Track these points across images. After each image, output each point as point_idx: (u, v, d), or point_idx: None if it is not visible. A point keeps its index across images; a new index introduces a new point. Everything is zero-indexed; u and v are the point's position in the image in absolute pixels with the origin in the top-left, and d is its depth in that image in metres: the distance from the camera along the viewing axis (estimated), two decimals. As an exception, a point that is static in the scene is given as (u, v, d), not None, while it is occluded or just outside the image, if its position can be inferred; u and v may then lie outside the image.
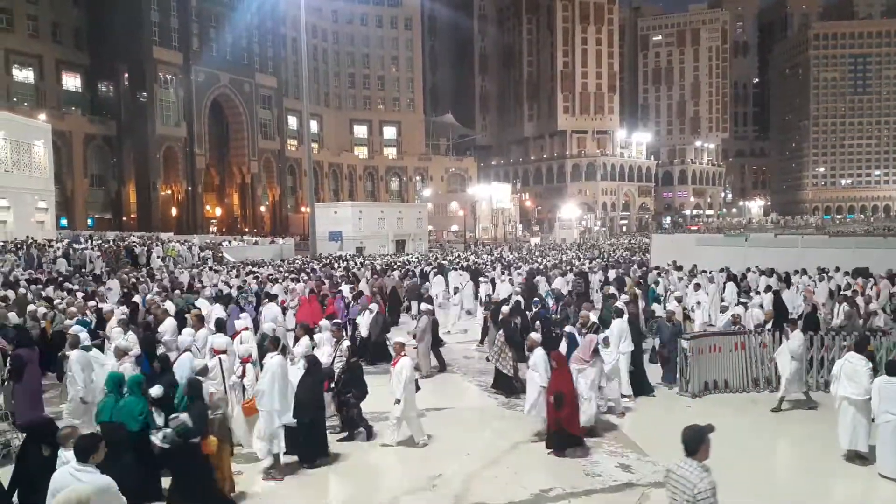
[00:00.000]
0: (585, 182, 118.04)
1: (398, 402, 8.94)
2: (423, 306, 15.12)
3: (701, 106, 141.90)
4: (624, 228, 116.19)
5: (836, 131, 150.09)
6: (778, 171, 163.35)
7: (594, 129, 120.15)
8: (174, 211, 66.39)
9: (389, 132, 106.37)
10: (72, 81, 66.78)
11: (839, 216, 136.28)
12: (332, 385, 9.53)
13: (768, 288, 17.94)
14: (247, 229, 71.25)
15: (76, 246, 30.62)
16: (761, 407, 11.08)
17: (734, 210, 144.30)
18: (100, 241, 35.40)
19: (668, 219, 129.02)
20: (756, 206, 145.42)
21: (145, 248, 32.66)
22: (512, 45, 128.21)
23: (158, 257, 31.75)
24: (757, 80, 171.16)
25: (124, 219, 64.55)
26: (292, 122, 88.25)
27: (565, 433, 8.81)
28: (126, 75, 63.82)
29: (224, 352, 9.40)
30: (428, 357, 13.66)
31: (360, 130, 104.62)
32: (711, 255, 26.63)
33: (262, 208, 76.95)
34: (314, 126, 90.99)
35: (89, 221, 62.82)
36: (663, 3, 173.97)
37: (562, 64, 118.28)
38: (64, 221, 58.82)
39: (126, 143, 64.45)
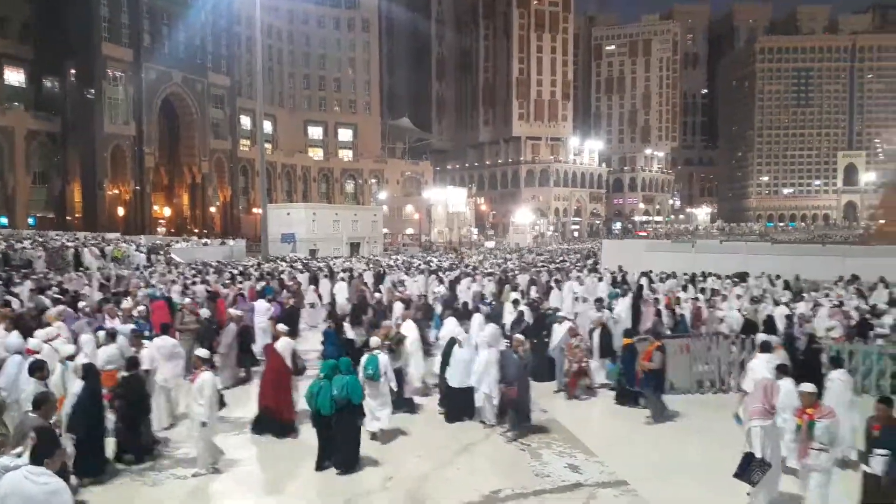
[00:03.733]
0: (539, 188, 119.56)
1: (204, 424, 8.12)
2: (232, 311, 13.82)
3: (651, 115, 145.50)
4: (576, 234, 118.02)
5: (779, 142, 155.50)
6: (724, 179, 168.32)
7: (548, 135, 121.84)
8: (121, 211, 64.57)
9: (345, 134, 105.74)
10: (15, 76, 64.41)
11: (781, 223, 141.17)
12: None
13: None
14: (196, 230, 69.78)
15: (17, 246, 29.54)
16: (708, 407, 11.48)
17: (682, 217, 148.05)
18: (42, 241, 34.19)
19: (619, 225, 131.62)
20: (703, 213, 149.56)
21: (73, 249, 31.23)
22: (469, 50, 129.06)
23: (96, 258, 30.72)
24: (706, 90, 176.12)
25: (68, 218, 62.47)
26: (245, 122, 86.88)
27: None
28: (73, 71, 61.84)
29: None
30: (234, 367, 13.01)
31: (316, 132, 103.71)
32: (660, 260, 27.38)
33: (213, 209, 75.48)
34: (268, 126, 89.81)
35: (31, 220, 60.63)
36: (617, 13, 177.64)
37: (517, 71, 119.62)
38: (4, 220, 56.71)
39: (72, 140, 62.44)
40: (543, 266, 33.03)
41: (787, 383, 8.31)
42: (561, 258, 43.86)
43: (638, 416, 10.91)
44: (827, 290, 19.98)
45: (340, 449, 8.48)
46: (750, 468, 7.00)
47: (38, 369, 7.67)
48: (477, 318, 13.33)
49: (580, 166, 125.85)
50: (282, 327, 11.41)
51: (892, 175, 63.85)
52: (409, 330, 11.97)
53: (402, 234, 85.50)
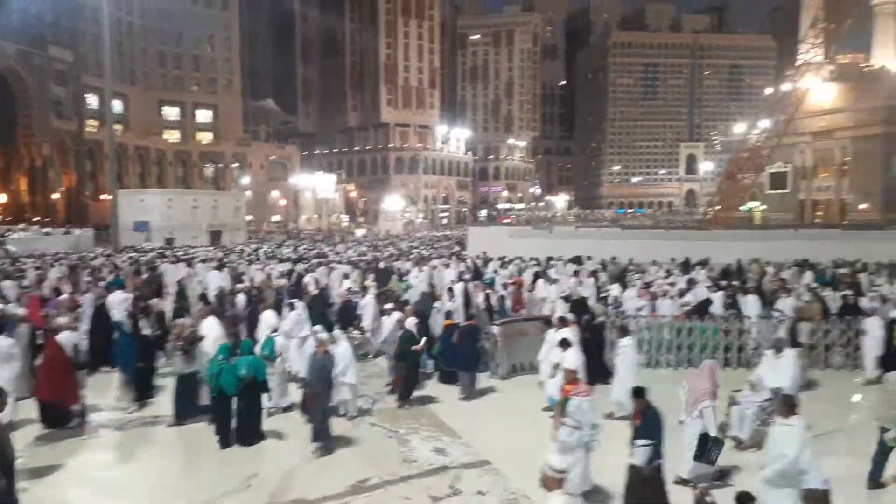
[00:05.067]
0: (409, 175, 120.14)
1: None
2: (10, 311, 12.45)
3: (514, 105, 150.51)
4: (445, 221, 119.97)
5: (629, 133, 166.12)
6: (580, 168, 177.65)
7: (416, 122, 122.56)
8: (-56, 196, 57.63)
9: (204, 115, 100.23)
10: None
11: (631, 210, 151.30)
12: None
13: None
14: (36, 218, 63.72)
15: None
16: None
17: (542, 204, 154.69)
18: None
19: (484, 212, 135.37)
20: (561, 200, 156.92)
21: None
22: (335, 32, 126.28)
23: None
24: (564, 82, 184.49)
25: None
26: (92, 100, 79.95)
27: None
28: None
29: None
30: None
31: (171, 112, 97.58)
32: (522, 245, 28.59)
33: (56, 195, 69.26)
34: (118, 106, 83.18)
35: None
36: (480, 3, 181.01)
37: (385, 56, 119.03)
38: None
39: None
40: (405, 253, 33.17)
41: (570, 353, 9.35)
42: (427, 245, 44.35)
43: (500, 399, 11.38)
44: (643, 272, 21.61)
45: (244, 424, 9.05)
46: (708, 448, 7.33)
47: None
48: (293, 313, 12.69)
49: (448, 154, 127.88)
50: (62, 320, 10.90)
51: (726, 165, 70.28)
52: (210, 328, 11.17)
53: (267, 222, 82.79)
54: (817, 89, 69.80)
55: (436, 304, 14.44)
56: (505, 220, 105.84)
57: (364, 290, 16.54)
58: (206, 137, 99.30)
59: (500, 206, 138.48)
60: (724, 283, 18.29)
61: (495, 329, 13.10)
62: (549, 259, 24.29)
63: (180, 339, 10.15)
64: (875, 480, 7.82)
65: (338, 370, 9.81)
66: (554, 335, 10.62)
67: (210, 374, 9.11)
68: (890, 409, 7.87)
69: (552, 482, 4.78)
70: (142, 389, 11.07)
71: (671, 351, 13.59)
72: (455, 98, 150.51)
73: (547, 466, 4.81)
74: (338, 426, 9.73)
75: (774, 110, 55.65)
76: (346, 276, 20.51)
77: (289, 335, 11.23)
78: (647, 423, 6.67)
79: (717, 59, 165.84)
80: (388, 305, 13.80)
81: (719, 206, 50.53)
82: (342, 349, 10.05)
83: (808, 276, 20.61)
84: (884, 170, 71.39)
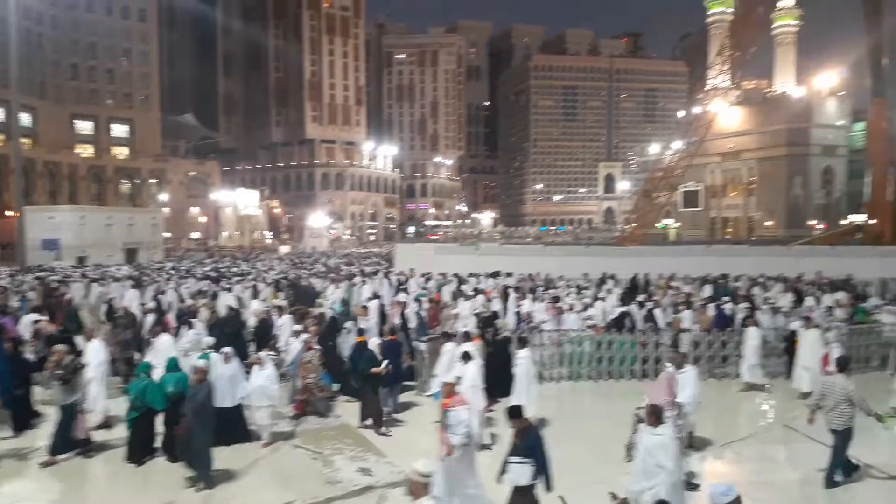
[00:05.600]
0: (335, 191, 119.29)
1: None
2: None
3: (440, 124, 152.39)
4: (372, 238, 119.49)
5: (550, 153, 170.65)
6: (505, 186, 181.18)
7: (342, 139, 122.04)
8: None
9: (120, 130, 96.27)
10: None
11: (553, 227, 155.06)
12: None
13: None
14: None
15: None
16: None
17: (468, 221, 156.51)
18: None
19: (412, 229, 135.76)
20: (487, 217, 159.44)
21: None
22: (258, 46, 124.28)
23: None
24: (488, 102, 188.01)
25: None
26: (-2, 113, 75.57)
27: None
28: None
29: None
30: None
31: (85, 126, 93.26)
32: (449, 261, 28.87)
33: (-46, 212, 64.84)
34: (26, 119, 78.98)
35: None
36: (406, 22, 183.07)
37: (310, 73, 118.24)
38: None
39: None
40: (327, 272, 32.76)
41: (470, 367, 9.49)
42: (353, 261, 44.06)
43: (427, 415, 11.43)
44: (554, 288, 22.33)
45: (174, 440, 8.79)
46: None
47: None
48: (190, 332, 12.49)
49: (375, 171, 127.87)
50: None
51: (642, 184, 73.22)
52: (94, 353, 10.54)
53: (186, 239, 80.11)
54: (725, 113, 74.11)
55: (347, 324, 14.19)
56: (433, 237, 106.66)
57: (280, 309, 16.24)
58: (122, 153, 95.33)
59: (428, 222, 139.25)
60: (642, 297, 18.97)
61: (422, 345, 13.19)
62: (469, 275, 24.61)
63: (59, 368, 8.95)
64: (830, 480, 8.27)
65: (249, 392, 9.63)
66: (455, 349, 10.77)
67: (134, 393, 8.93)
68: (835, 405, 8.17)
69: (419, 488, 4.70)
70: (19, 418, 10.24)
71: (592, 364, 14.05)
72: (382, 116, 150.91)
73: (413, 472, 4.73)
74: (256, 451, 9.55)
75: (686, 132, 58.43)
76: (253, 296, 20.13)
77: (187, 354, 10.88)
78: (527, 442, 6.49)
79: (633, 82, 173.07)
80: (297, 327, 13.32)
81: (636, 224, 52.40)
82: (267, 373, 9.87)
83: (708, 290, 21.69)
84: (787, 189, 76.31)
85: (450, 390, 7.63)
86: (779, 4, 79.91)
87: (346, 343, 13.26)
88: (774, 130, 77.26)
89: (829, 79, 76.14)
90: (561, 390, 13.57)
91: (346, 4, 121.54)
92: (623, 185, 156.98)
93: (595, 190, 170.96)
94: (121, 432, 9.68)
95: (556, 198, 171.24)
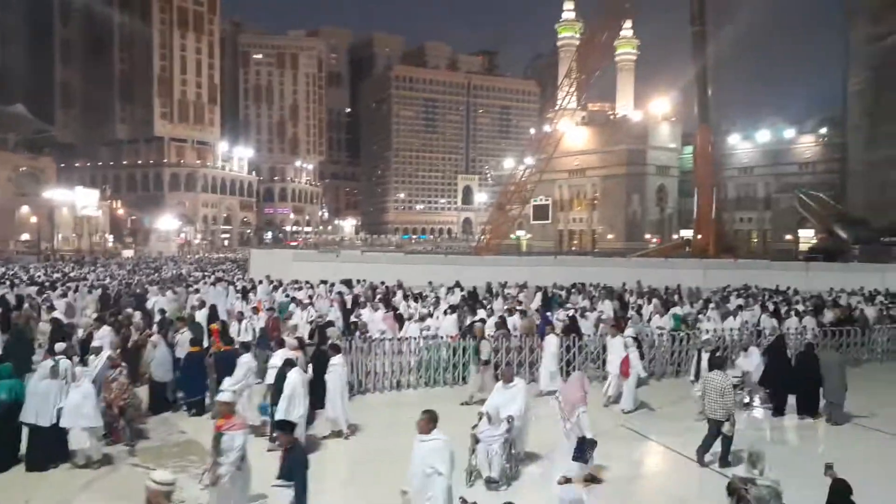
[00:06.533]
0: (185, 193, 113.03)
1: None
2: None
3: (300, 128, 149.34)
4: (226, 242, 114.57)
5: (412, 163, 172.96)
6: (367, 194, 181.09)
7: (194, 138, 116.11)
8: None
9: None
10: None
11: (415, 236, 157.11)
12: None
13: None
14: None
15: None
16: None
17: (330, 227, 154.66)
18: None
19: (270, 234, 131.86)
20: (349, 224, 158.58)
21: None
22: (102, 34, 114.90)
23: None
24: (349, 109, 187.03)
25: None
26: None
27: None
28: None
29: None
30: None
31: None
32: (307, 269, 28.48)
33: None
34: None
35: None
36: (265, 22, 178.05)
37: (159, 67, 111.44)
38: None
39: None
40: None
41: (293, 374, 9.25)
42: (203, 267, 42.14)
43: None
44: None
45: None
46: (584, 449, 7.99)
47: None
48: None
49: (230, 173, 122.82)
50: None
51: (497, 197, 76.17)
52: None
53: (14, 241, 72.48)
54: (572, 132, 79.18)
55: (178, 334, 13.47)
56: (293, 243, 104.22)
57: (100, 319, 14.99)
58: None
59: (288, 228, 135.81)
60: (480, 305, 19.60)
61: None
62: (322, 282, 24.48)
63: None
64: (701, 460, 9.24)
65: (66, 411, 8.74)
66: (252, 362, 10.65)
67: None
68: (715, 403, 9.15)
69: (158, 497, 4.54)
70: None
71: (448, 370, 14.41)
72: (238, 116, 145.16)
73: (150, 482, 4.57)
74: (85, 476, 8.77)
75: (537, 149, 61.76)
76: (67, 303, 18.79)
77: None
78: (292, 461, 6.16)
79: (489, 98, 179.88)
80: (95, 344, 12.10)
81: (491, 234, 54.51)
82: (84, 389, 8.94)
83: (538, 299, 23.00)
84: (626, 205, 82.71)
85: (227, 410, 6.73)
86: (621, 33, 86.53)
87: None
88: (616, 150, 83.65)
89: (663, 104, 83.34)
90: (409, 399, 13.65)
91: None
92: (480, 197, 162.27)
93: (454, 201, 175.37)
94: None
95: (418, 207, 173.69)
